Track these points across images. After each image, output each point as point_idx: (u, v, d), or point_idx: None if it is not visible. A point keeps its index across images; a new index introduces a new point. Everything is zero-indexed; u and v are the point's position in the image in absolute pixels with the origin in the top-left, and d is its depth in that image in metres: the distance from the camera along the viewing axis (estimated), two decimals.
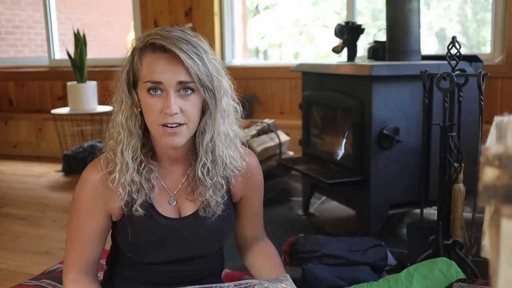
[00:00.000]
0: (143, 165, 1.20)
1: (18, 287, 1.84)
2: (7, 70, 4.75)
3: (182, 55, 1.09)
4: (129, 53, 1.17)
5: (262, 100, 3.91)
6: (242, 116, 1.29)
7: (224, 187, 1.27)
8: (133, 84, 1.18)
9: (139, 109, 1.18)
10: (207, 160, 1.21)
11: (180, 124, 1.13)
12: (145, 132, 1.21)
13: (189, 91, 1.13)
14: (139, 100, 1.17)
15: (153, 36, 1.13)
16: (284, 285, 1.26)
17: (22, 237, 2.49)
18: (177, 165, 1.27)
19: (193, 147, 1.24)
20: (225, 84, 1.20)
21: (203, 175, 1.22)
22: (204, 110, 1.18)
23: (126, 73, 1.17)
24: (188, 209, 1.27)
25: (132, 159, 1.17)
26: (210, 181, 1.22)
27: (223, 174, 1.25)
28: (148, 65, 1.13)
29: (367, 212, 2.15)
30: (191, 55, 1.10)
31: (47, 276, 1.93)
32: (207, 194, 1.23)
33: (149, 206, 1.23)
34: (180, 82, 1.11)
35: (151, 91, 1.12)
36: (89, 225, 1.23)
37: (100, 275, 1.44)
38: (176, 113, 1.11)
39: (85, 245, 1.25)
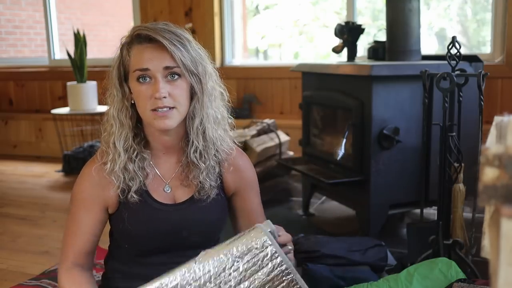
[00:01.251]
0: (135, 154, 1.25)
1: (18, 287, 1.84)
2: (7, 70, 4.75)
3: (165, 42, 1.17)
4: (118, 50, 1.25)
5: (262, 100, 3.91)
6: (229, 101, 1.35)
7: (217, 170, 1.32)
8: (124, 77, 1.24)
9: (131, 102, 1.24)
10: (198, 143, 1.26)
11: (169, 108, 1.19)
12: (138, 123, 1.27)
13: (176, 76, 1.20)
14: (131, 93, 1.24)
15: (138, 28, 1.21)
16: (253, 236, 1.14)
17: (22, 237, 2.49)
18: (171, 153, 1.31)
19: (185, 135, 1.29)
20: (210, 69, 1.27)
21: (196, 158, 1.27)
22: (192, 95, 1.24)
23: (116, 68, 1.24)
24: (183, 196, 1.31)
25: (123, 149, 1.23)
26: (203, 165, 1.28)
27: (215, 157, 1.30)
28: (135, 56, 1.21)
29: (367, 212, 2.15)
30: (174, 43, 1.18)
31: (47, 276, 1.93)
32: (200, 177, 1.28)
33: (144, 193, 1.27)
34: (166, 67, 1.18)
35: (140, 79, 1.20)
36: (85, 216, 1.27)
37: (99, 276, 1.44)
38: (165, 97, 1.18)
39: (81, 236, 1.28)
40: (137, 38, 1.20)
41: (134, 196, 1.25)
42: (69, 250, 1.28)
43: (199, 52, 1.23)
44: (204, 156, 1.27)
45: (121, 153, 1.23)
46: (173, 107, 1.19)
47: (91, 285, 1.27)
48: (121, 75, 1.24)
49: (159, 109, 1.18)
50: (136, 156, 1.25)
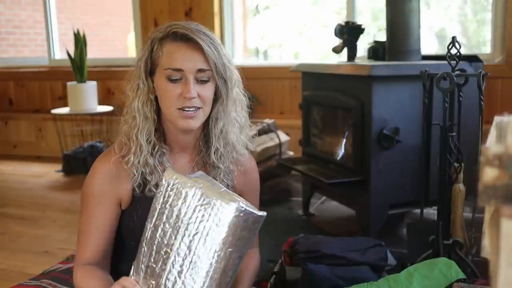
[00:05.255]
0: (156, 148, 1.26)
1: (18, 287, 1.84)
2: (7, 70, 4.75)
3: (202, 44, 1.18)
4: (148, 42, 1.24)
5: (262, 100, 3.91)
6: (249, 106, 1.37)
7: (235, 172, 1.34)
8: (150, 71, 1.25)
9: (154, 95, 1.25)
10: (219, 146, 1.29)
11: (197, 108, 1.21)
12: (158, 118, 1.27)
13: (206, 78, 1.21)
14: (154, 87, 1.24)
15: (175, 25, 1.21)
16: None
17: (22, 237, 2.49)
18: (186, 153, 1.33)
19: (202, 135, 1.31)
20: (236, 75, 1.29)
21: (216, 160, 1.29)
22: (216, 98, 1.26)
23: (144, 61, 1.23)
24: None
25: (146, 142, 1.24)
26: (222, 166, 1.30)
27: (232, 159, 1.33)
28: (169, 53, 1.21)
29: (367, 212, 2.15)
30: (209, 45, 1.20)
31: (47, 276, 1.93)
32: (218, 179, 1.29)
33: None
34: (199, 70, 1.20)
35: (171, 78, 1.20)
36: (100, 214, 1.26)
37: None
38: (194, 97, 1.20)
39: (96, 235, 1.27)
40: (172, 36, 1.21)
41: (153, 190, 1.24)
42: (86, 250, 1.26)
43: (228, 58, 1.25)
44: (224, 157, 1.30)
45: (143, 146, 1.23)
46: (199, 108, 1.21)
47: (105, 276, 1.25)
48: (148, 69, 1.24)
49: (187, 109, 1.19)
50: (157, 151, 1.25)
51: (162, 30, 1.23)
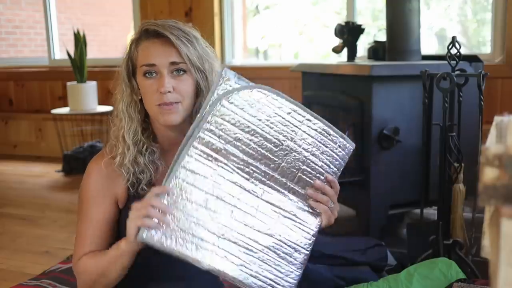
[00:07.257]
0: (145, 147, 1.27)
1: (18, 287, 1.84)
2: (7, 70, 4.75)
3: (172, 38, 1.20)
4: (128, 46, 1.27)
5: None
6: None
7: None
8: (132, 72, 1.27)
9: (139, 97, 1.27)
10: None
11: (175, 103, 1.22)
12: (146, 118, 1.30)
13: (182, 72, 1.23)
14: (139, 88, 1.26)
15: (147, 23, 1.24)
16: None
17: (22, 237, 2.49)
18: (177, 150, 1.30)
19: None
20: (216, 68, 1.28)
21: None
22: (198, 92, 1.26)
23: (125, 63, 1.27)
24: None
25: (132, 142, 1.25)
26: None
27: None
28: (142, 51, 1.24)
29: (367, 212, 2.15)
30: (181, 39, 1.21)
31: (47, 276, 1.93)
32: None
33: (152, 187, 1.26)
34: (172, 63, 1.21)
35: (147, 74, 1.23)
36: (97, 213, 1.26)
37: None
38: (169, 91, 1.20)
39: (94, 234, 1.26)
40: (145, 34, 1.24)
41: (145, 188, 1.25)
42: (83, 249, 1.26)
43: (206, 50, 1.26)
44: None
45: (130, 146, 1.24)
46: (178, 102, 1.22)
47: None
48: (129, 71, 1.27)
49: (165, 105, 1.20)
50: (146, 150, 1.27)
51: (137, 31, 1.26)
